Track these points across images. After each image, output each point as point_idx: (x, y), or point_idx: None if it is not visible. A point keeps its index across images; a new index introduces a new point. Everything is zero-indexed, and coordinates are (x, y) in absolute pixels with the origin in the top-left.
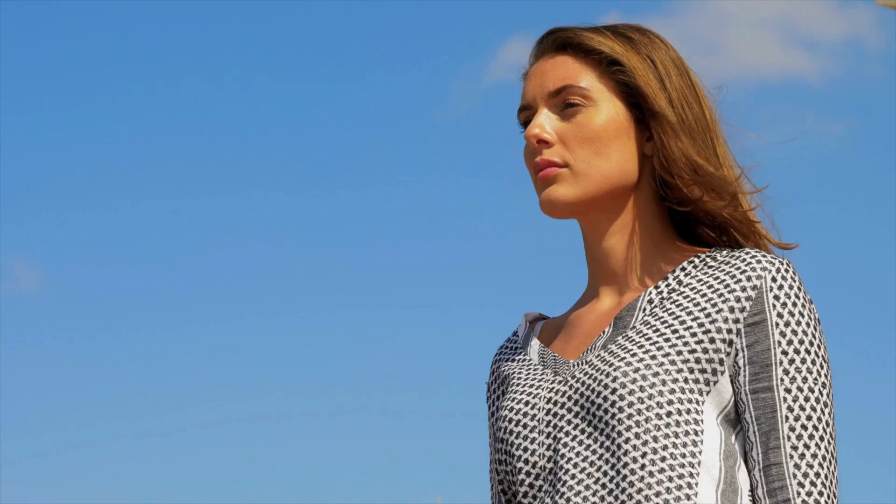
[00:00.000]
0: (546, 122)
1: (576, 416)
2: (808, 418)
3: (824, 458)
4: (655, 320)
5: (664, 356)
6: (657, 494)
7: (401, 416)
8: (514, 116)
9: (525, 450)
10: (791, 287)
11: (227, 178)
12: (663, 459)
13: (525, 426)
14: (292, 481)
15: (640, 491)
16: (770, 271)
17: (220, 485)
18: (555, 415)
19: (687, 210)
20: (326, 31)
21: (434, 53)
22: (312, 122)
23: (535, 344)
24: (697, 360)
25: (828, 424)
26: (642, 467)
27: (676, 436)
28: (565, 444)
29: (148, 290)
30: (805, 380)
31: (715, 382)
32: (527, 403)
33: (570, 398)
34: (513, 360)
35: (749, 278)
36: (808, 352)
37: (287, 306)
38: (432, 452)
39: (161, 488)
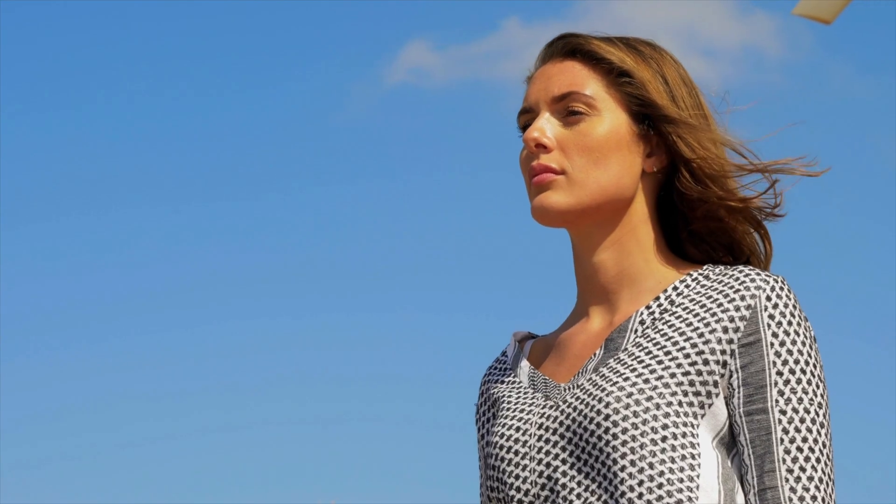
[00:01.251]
0: (547, 127)
1: (569, 442)
2: (804, 440)
3: (821, 480)
4: (647, 342)
5: (657, 379)
6: None
7: (297, 418)
8: (415, 119)
9: (517, 477)
10: (786, 306)
11: (121, 187)
12: (661, 486)
13: (517, 453)
14: (187, 484)
15: None
16: (764, 290)
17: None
18: (547, 441)
19: (703, 211)
20: (216, 33)
21: (331, 55)
22: (203, 128)
23: (524, 366)
24: (691, 383)
25: (824, 446)
26: (640, 496)
27: (673, 461)
28: (564, 473)
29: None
30: (801, 400)
31: (710, 405)
32: (517, 430)
33: (561, 424)
34: (502, 383)
35: (743, 297)
36: (803, 372)
37: (171, 320)
38: (328, 454)
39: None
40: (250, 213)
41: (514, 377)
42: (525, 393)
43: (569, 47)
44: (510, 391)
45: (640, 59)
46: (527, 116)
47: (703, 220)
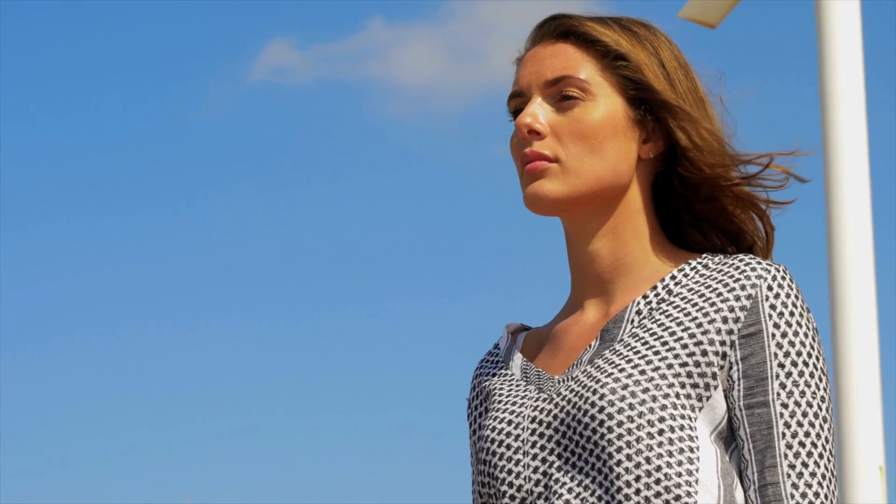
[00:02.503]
0: (540, 112)
1: (563, 436)
2: (807, 435)
3: (823, 476)
4: (644, 332)
5: (654, 370)
6: None
7: (152, 415)
8: (277, 118)
9: (510, 472)
10: (788, 296)
11: None
12: (658, 481)
13: (509, 447)
14: (48, 481)
15: None
16: (766, 279)
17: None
18: (541, 435)
19: (708, 198)
20: (71, 29)
21: (191, 53)
22: (64, 128)
23: (517, 358)
24: (689, 375)
25: (827, 441)
26: (637, 492)
27: (671, 454)
28: (559, 468)
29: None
30: (803, 394)
31: (708, 398)
32: (510, 423)
33: (555, 417)
34: (494, 375)
35: (743, 287)
36: (805, 364)
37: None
38: (182, 453)
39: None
40: (121, 214)
41: (506, 370)
42: (518, 386)
43: (561, 28)
44: (502, 384)
45: (636, 41)
46: (517, 101)
47: (705, 203)
